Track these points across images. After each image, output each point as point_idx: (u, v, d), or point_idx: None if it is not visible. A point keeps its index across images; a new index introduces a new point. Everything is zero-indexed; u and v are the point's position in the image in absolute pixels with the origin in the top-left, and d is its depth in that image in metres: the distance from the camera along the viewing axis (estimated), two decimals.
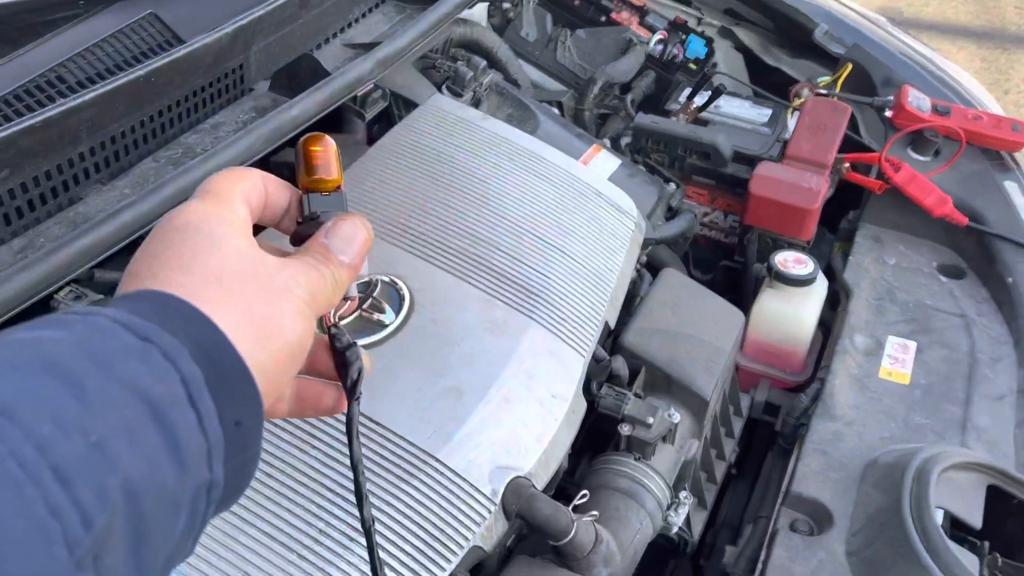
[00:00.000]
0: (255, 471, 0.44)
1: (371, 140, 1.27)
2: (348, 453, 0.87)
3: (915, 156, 1.61)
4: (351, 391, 0.53)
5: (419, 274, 1.05)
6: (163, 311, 0.40)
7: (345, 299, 0.52)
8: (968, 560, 1.01)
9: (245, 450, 0.41)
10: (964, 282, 1.51)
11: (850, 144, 1.63)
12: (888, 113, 1.65)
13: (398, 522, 0.84)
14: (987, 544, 1.07)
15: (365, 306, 0.99)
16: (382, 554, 0.82)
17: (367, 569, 0.81)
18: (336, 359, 0.53)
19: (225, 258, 0.45)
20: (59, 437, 0.33)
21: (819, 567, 1.05)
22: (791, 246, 1.54)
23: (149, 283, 0.43)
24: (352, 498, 0.84)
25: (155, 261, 0.44)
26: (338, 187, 0.54)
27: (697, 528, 1.23)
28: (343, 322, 0.54)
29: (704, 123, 1.70)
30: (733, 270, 1.70)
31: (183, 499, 0.37)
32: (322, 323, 0.53)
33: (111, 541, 0.33)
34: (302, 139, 0.53)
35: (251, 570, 0.77)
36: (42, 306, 0.89)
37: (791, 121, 1.69)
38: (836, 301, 1.52)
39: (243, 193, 0.50)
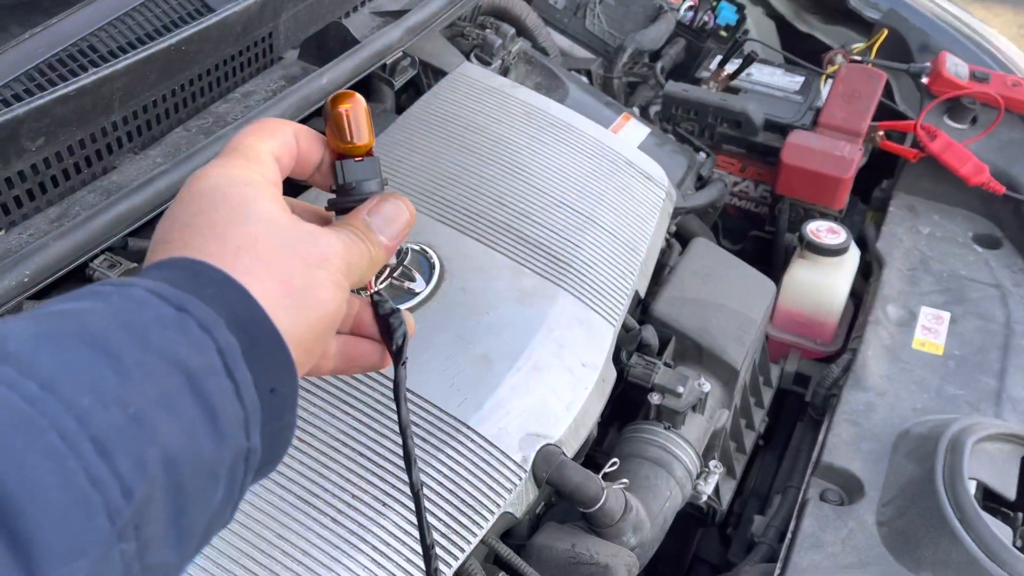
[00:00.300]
0: (292, 438, 0.44)
1: (399, 109, 1.26)
2: (380, 419, 0.88)
3: (951, 124, 1.58)
4: (396, 356, 0.53)
5: (449, 242, 1.05)
6: (197, 280, 0.40)
7: (383, 267, 0.53)
8: (1001, 531, 1.00)
9: (280, 417, 0.42)
10: (1000, 252, 1.49)
11: (885, 112, 1.61)
12: (924, 80, 1.62)
13: (430, 488, 0.85)
14: (1021, 515, 1.06)
15: (396, 274, 1.00)
16: (413, 519, 0.83)
17: (400, 534, 0.82)
18: (380, 325, 0.53)
19: (259, 226, 0.44)
20: (98, 409, 0.33)
21: (849, 537, 1.05)
22: (823, 216, 1.52)
23: (182, 251, 0.42)
24: (384, 464, 0.85)
25: (186, 230, 0.44)
26: (370, 151, 0.53)
27: (726, 498, 1.23)
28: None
29: (735, 91, 1.68)
30: (764, 240, 1.69)
31: (221, 469, 0.37)
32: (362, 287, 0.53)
33: (151, 511, 0.33)
34: (330, 98, 0.52)
35: (286, 533, 0.78)
36: (78, 274, 0.90)
37: (824, 89, 1.66)
38: (868, 272, 1.50)
39: (273, 151, 0.49)
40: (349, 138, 0.51)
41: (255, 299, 0.41)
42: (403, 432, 0.54)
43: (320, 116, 1.23)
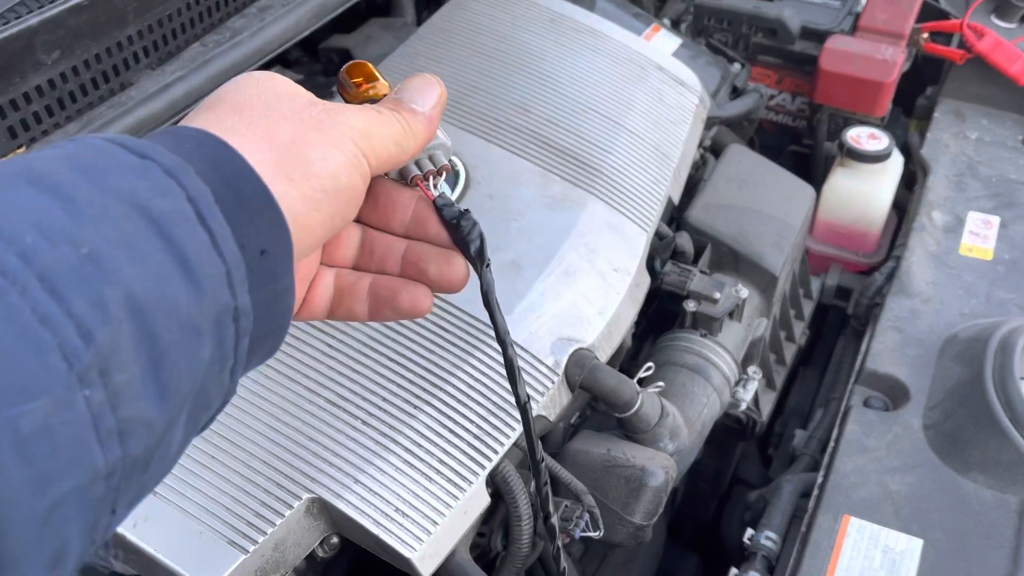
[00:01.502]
0: (293, 306, 0.41)
1: (421, 24, 1.22)
2: (411, 324, 0.87)
3: (1000, 23, 1.50)
4: (479, 259, 0.48)
5: (474, 150, 1.02)
6: (172, 137, 0.37)
7: (436, 169, 0.48)
8: None
9: (275, 281, 0.39)
10: None
11: (929, 12, 1.53)
12: None
13: (463, 392, 0.84)
14: None
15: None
16: (449, 423, 0.82)
17: (432, 436, 0.80)
18: (450, 231, 0.48)
19: (261, 93, 0.42)
20: (45, 247, 0.30)
21: (894, 441, 1.02)
22: (863, 124, 1.47)
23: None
24: (415, 368, 0.84)
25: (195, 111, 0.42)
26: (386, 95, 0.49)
27: (766, 409, 1.20)
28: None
29: None
30: (802, 155, 1.64)
31: (203, 323, 0.34)
32: (408, 180, 0.49)
33: (119, 358, 0.31)
34: (343, 69, 0.50)
35: (317, 436, 0.78)
36: None
37: None
38: (912, 181, 1.45)
39: None
40: (365, 93, 0.48)
41: (235, 150, 0.38)
42: (503, 343, 0.49)
43: (338, 32, 1.20)
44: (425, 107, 0.46)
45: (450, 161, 0.96)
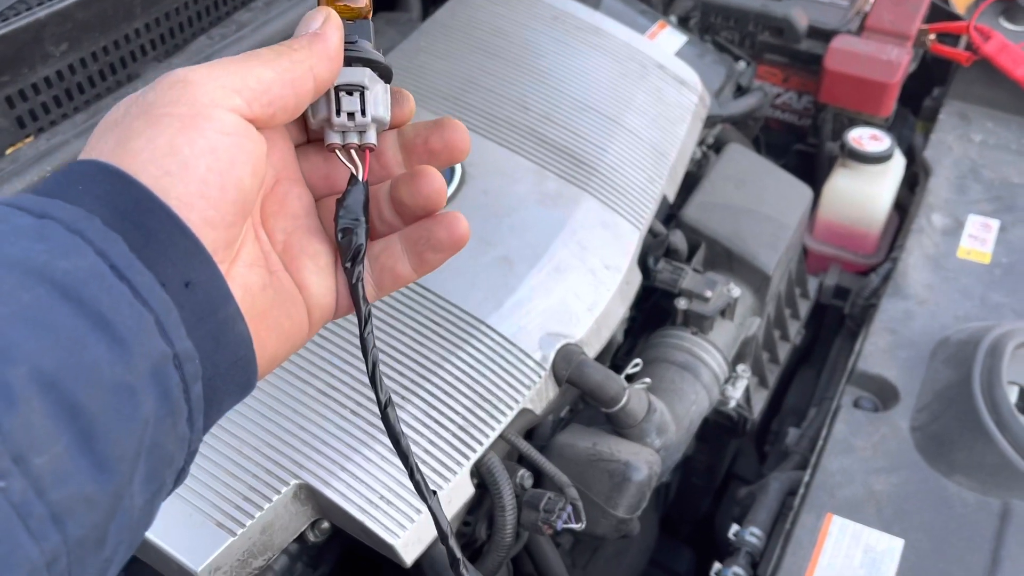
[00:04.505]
0: (247, 332, 0.37)
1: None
2: (400, 316, 0.88)
3: (1007, 26, 1.49)
4: (350, 265, 0.43)
5: (471, 146, 1.03)
6: (67, 178, 0.34)
7: (358, 144, 0.43)
8: None
9: (214, 311, 0.35)
10: None
11: (937, 14, 1.53)
12: None
13: (450, 384, 0.86)
14: None
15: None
16: (435, 413, 0.84)
17: (419, 427, 0.82)
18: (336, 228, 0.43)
19: (130, 103, 0.37)
20: None
21: (881, 442, 1.03)
22: (868, 124, 1.47)
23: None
24: (404, 360, 0.86)
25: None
26: (364, 17, 0.44)
27: (758, 407, 1.21)
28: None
29: None
30: (807, 155, 1.64)
31: (136, 380, 0.31)
32: (326, 144, 0.43)
33: (35, 439, 0.28)
34: None
35: (306, 424, 0.80)
36: None
37: None
38: (915, 182, 1.45)
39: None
40: None
41: (136, 181, 0.34)
42: (363, 341, 0.44)
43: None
44: (310, 28, 0.41)
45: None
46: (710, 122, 1.31)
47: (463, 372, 0.87)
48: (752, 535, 1.01)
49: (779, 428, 1.42)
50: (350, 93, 0.43)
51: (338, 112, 0.42)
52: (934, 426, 1.02)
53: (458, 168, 1.00)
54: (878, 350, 1.14)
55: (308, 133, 0.46)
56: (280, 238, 0.43)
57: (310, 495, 0.78)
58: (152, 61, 1.04)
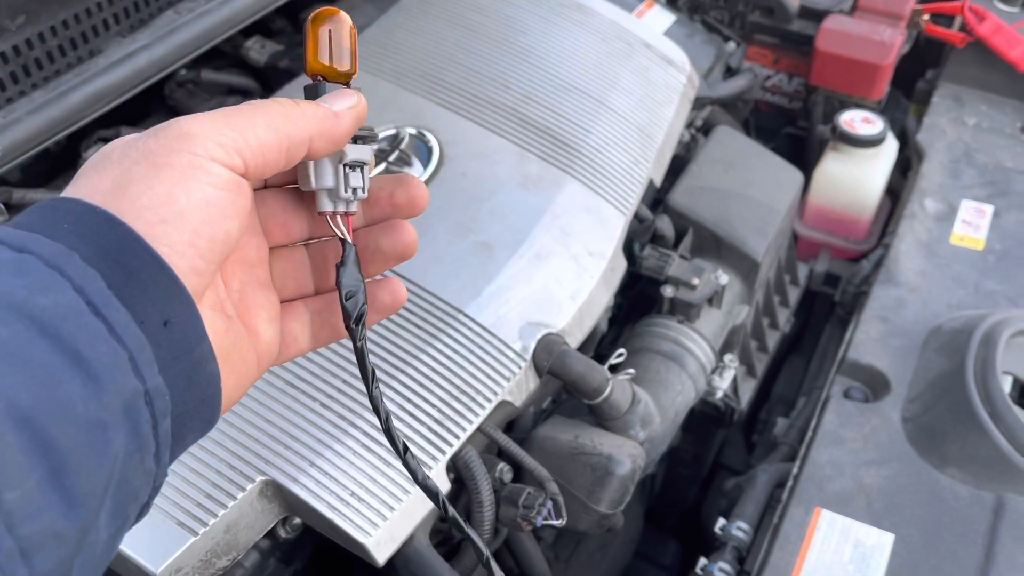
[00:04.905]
0: (218, 371, 0.38)
1: None
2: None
3: (1002, 7, 1.46)
4: (353, 330, 0.44)
5: (449, 126, 0.99)
6: (53, 216, 0.35)
7: (355, 165, 0.44)
8: None
9: (190, 350, 0.36)
10: None
11: None
12: None
13: (426, 376, 0.82)
14: None
15: (391, 159, 0.95)
16: (409, 406, 0.81)
17: (396, 410, 0.79)
18: (338, 288, 0.44)
19: (119, 148, 0.38)
20: None
21: (872, 433, 1.00)
22: (860, 107, 1.43)
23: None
24: (375, 350, 0.82)
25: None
26: (348, 81, 0.45)
27: (745, 397, 1.18)
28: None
29: None
30: (797, 138, 1.60)
31: (108, 416, 0.32)
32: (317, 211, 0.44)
33: (7, 475, 0.29)
34: (312, 15, 0.44)
35: (273, 418, 0.76)
36: (70, 159, 0.88)
37: None
38: (908, 167, 1.42)
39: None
40: (328, 60, 0.44)
41: (122, 221, 0.35)
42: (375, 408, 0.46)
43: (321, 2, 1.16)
44: (334, 105, 0.42)
45: (423, 137, 0.89)
46: (698, 104, 1.28)
47: (439, 363, 0.83)
48: (739, 529, 0.99)
49: (767, 417, 1.39)
50: (353, 168, 0.44)
51: (345, 187, 0.44)
52: (926, 417, 0.99)
53: (435, 150, 0.96)
54: (869, 339, 1.11)
55: (266, 180, 0.45)
56: (236, 287, 0.43)
57: (277, 492, 0.75)
58: (115, 36, 1.00)
